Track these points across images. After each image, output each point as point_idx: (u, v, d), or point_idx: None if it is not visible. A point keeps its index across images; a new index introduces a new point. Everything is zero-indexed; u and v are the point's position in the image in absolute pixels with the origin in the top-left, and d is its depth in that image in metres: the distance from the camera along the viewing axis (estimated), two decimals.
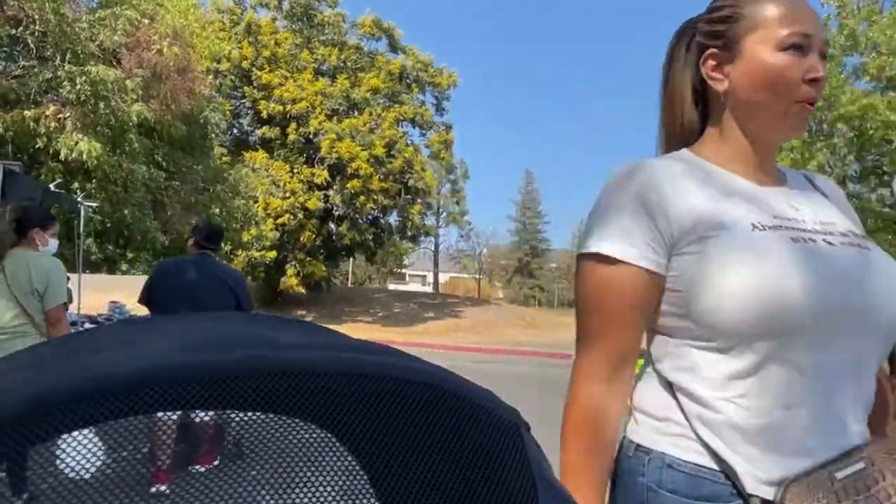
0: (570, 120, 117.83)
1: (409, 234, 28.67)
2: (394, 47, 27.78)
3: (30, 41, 8.41)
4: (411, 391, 0.43)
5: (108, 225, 10.32)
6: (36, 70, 8.66)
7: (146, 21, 9.24)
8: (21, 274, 3.18)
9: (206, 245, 4.14)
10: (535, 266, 64.88)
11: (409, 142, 26.48)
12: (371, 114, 25.06)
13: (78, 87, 8.45)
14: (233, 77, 23.95)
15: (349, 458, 0.43)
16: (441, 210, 40.01)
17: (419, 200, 26.60)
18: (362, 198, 23.80)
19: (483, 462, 0.43)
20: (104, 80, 8.53)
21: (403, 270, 64.60)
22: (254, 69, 23.95)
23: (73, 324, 8.96)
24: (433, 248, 43.16)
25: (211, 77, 15.77)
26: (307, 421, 0.41)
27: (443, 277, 48.30)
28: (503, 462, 0.44)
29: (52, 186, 6.60)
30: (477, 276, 47.59)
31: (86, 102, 8.58)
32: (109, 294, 19.51)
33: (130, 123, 9.12)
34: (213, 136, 13.34)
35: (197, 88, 10.60)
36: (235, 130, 26.87)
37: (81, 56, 8.70)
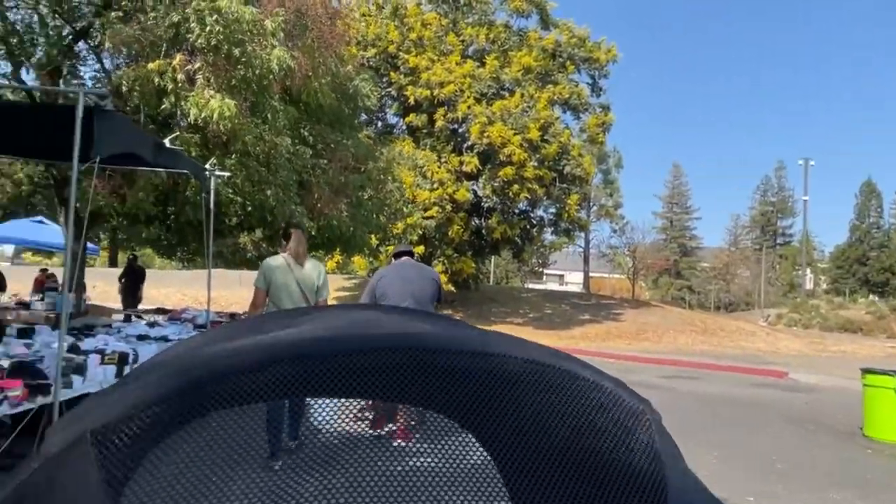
0: (721, 110, 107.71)
1: (563, 227, 26.03)
2: (546, 23, 25.27)
3: None
4: (547, 374, 0.46)
5: (250, 208, 8.92)
6: (162, 12, 7.32)
7: None
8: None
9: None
10: (683, 265, 59.40)
11: (564, 124, 23.87)
12: (523, 95, 22.78)
13: (208, 28, 6.99)
14: (379, 64, 22.76)
15: (483, 433, 0.47)
16: (592, 203, 36.80)
17: (576, 189, 23.88)
18: (515, 187, 21.59)
19: (612, 443, 0.46)
20: (239, 20, 7.01)
21: (543, 270, 61.85)
22: (400, 53, 22.59)
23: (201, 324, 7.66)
24: (583, 245, 39.98)
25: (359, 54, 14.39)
26: (446, 395, 0.45)
27: (581, 276, 44.88)
28: (630, 445, 0.46)
29: (167, 142, 4.99)
30: (630, 276, 43.59)
31: (218, 49, 7.12)
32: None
33: (271, 76, 7.57)
34: (362, 110, 11.83)
35: (346, 48, 8.94)
36: (380, 123, 25.82)
37: None
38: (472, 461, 0.49)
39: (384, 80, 23.01)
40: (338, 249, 12.76)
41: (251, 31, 7.29)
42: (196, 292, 23.23)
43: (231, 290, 22.11)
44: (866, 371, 7.30)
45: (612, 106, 26.10)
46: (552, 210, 25.35)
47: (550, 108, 23.10)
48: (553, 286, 49.16)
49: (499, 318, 23.42)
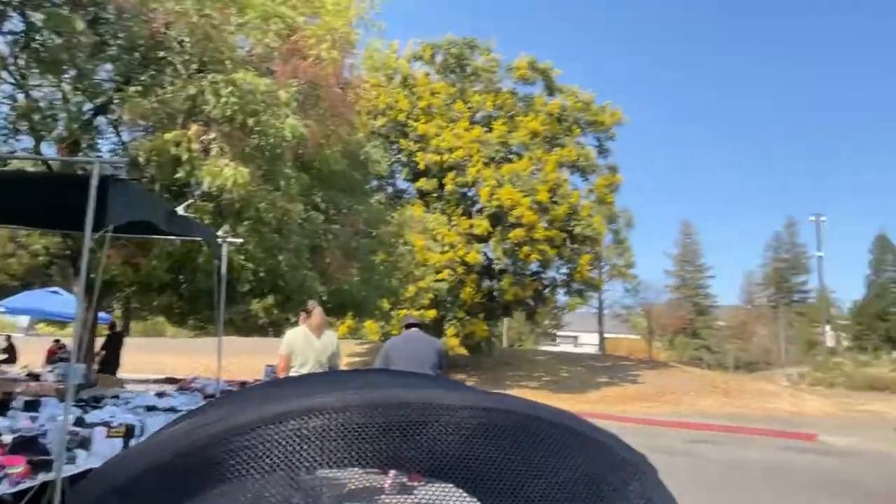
0: (731, 167, 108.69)
1: (575, 288, 25.84)
2: (550, 89, 25.92)
3: (174, 59, 7.39)
4: (542, 427, 0.47)
5: (262, 274, 8.91)
6: (179, 85, 7.54)
7: (301, 20, 7.88)
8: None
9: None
10: (699, 324, 58.44)
11: (573, 186, 24.10)
12: (531, 158, 23.14)
13: (223, 99, 7.17)
14: (389, 132, 23.31)
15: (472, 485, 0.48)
16: (604, 263, 36.67)
17: (587, 250, 23.84)
18: (526, 248, 21.60)
19: (607, 496, 0.46)
20: (253, 91, 7.19)
21: (556, 331, 61.01)
22: (409, 120, 23.16)
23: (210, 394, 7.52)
24: (597, 306, 39.56)
25: (370, 123, 14.73)
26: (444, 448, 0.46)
27: (595, 338, 44.16)
28: (626, 497, 0.46)
29: (181, 209, 5.02)
30: (646, 336, 42.88)
31: (233, 119, 7.28)
32: (269, 358, 18.77)
33: (284, 144, 7.69)
34: (373, 176, 12.02)
35: (357, 116, 9.16)
36: (390, 188, 26.20)
37: (229, 65, 7.48)
38: None
39: (394, 146, 23.51)
40: (350, 314, 12.68)
41: (265, 102, 7.48)
42: (209, 360, 23.06)
43: (241, 358, 21.91)
44: None
45: (620, 166, 26.41)
46: (564, 271, 25.26)
47: (558, 170, 23.39)
48: (567, 348, 48.39)
49: (514, 382, 22.93)
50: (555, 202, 22.34)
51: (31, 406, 5.42)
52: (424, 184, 23.27)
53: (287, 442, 0.44)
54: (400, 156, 23.93)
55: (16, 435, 4.02)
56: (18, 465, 3.62)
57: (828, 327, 39.34)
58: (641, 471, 0.49)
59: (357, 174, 11.32)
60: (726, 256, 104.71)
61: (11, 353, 14.84)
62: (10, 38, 8.86)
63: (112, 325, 14.54)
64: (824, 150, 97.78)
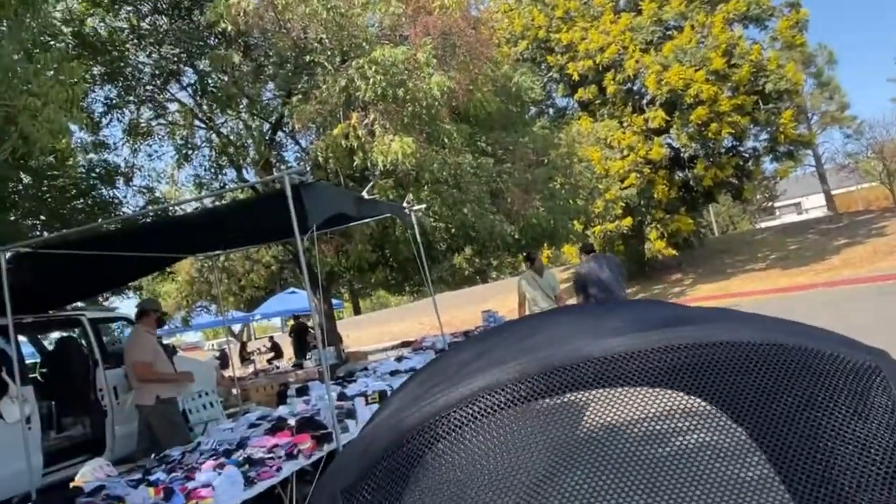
0: None
1: (782, 151, 23.05)
2: None
3: (319, 59, 7.89)
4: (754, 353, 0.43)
5: (452, 230, 9.32)
6: (331, 81, 8.04)
7: None
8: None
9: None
10: None
11: (750, 41, 21.26)
12: (693, 27, 20.81)
13: (371, 80, 7.51)
14: (533, 54, 22.51)
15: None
16: (811, 114, 32.15)
17: (786, 105, 21.05)
18: (713, 125, 19.69)
19: (840, 416, 0.40)
20: (395, 62, 7.44)
21: (772, 203, 55.14)
22: (550, 35, 22.12)
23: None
24: (814, 163, 35.00)
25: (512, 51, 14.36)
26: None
27: (821, 199, 38.84)
28: (863, 412, 0.40)
29: (365, 193, 5.42)
30: (885, 180, 36.86)
31: (385, 96, 7.61)
32: (484, 304, 19.69)
33: (436, 103, 7.87)
34: (529, 104, 11.77)
35: (497, 50, 8.98)
36: (550, 110, 25.42)
37: (366, 47, 7.80)
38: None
39: (542, 66, 22.67)
40: (545, 245, 12.76)
41: (407, 69, 7.70)
42: (430, 319, 24.91)
43: (458, 310, 23.25)
44: None
45: None
46: (763, 136, 22.65)
47: (729, 29, 20.77)
48: (789, 218, 43.60)
49: (736, 269, 21.37)
50: (733, 66, 19.94)
51: (302, 391, 6.35)
52: (583, 94, 22.20)
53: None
54: (551, 73, 23.03)
55: (297, 417, 4.76)
56: (306, 442, 4.30)
57: None
58: (881, 374, 0.42)
59: (513, 108, 11.18)
60: None
61: (277, 351, 17.38)
62: (189, 90, 10.14)
63: (296, 317, 16.10)
64: None
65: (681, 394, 0.45)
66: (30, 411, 5.91)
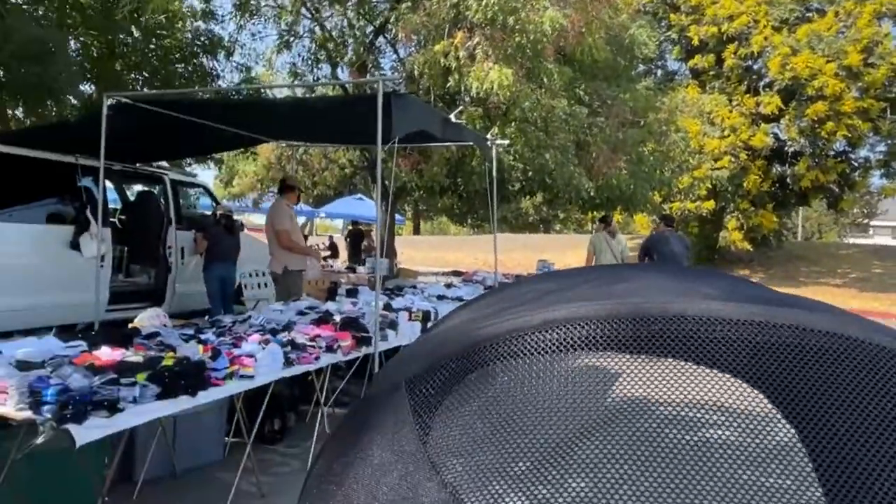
0: None
1: None
2: None
3: None
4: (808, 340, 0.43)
5: (530, 173, 9.16)
6: None
7: None
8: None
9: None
10: None
11: None
12: (838, 13, 19.04)
13: (484, 2, 7.26)
14: (657, 8, 21.18)
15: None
16: None
17: None
18: (829, 124, 18.30)
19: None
20: None
21: (868, 221, 51.60)
22: None
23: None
24: None
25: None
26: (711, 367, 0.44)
27: None
28: None
29: (452, 116, 5.36)
30: None
31: (494, 21, 7.37)
32: (541, 253, 19.55)
33: (545, 39, 7.57)
34: (639, 60, 11.19)
35: None
36: (659, 71, 24.11)
37: None
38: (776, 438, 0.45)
39: (663, 23, 21.35)
40: (618, 209, 12.43)
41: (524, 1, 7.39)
42: (486, 255, 25.00)
43: (514, 253, 23.19)
44: None
45: None
46: (881, 148, 20.97)
47: (876, 24, 18.91)
48: (884, 240, 40.82)
49: (809, 280, 20.38)
50: (870, 65, 18.26)
51: (352, 293, 6.58)
52: (699, 61, 20.90)
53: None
54: (670, 33, 21.69)
55: (343, 316, 4.95)
56: (347, 340, 4.48)
57: None
58: None
59: (622, 60, 10.64)
60: None
61: (334, 251, 17.91)
62: None
63: (355, 223, 16.68)
64: None
65: (743, 384, 0.45)
66: (105, 251, 6.36)
